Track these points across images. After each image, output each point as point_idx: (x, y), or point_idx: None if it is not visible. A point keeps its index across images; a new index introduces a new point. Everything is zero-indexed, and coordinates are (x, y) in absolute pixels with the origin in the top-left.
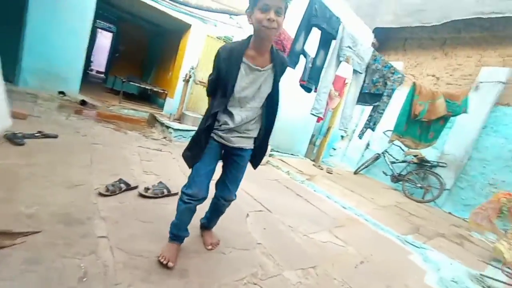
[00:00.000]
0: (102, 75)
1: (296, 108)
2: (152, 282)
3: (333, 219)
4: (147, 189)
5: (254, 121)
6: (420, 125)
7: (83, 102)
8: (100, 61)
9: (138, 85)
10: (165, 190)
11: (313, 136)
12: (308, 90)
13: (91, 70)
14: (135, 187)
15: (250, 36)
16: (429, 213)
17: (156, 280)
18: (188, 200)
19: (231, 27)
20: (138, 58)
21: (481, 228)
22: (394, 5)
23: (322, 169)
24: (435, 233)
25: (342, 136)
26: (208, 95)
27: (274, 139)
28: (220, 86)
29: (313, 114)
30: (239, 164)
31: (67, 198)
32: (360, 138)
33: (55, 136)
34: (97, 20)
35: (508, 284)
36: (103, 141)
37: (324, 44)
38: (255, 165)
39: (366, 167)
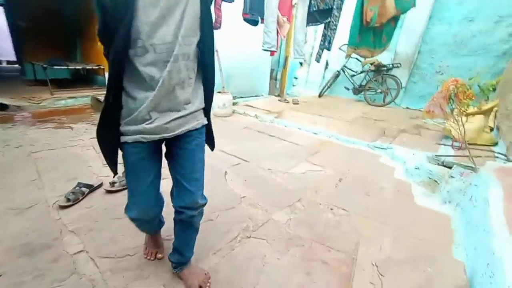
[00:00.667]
0: (17, 65)
1: (248, 46)
2: (147, 278)
3: (307, 148)
4: (113, 183)
5: (189, 82)
6: (373, 32)
7: (2, 106)
8: (4, 48)
9: (66, 67)
10: None
11: (272, 70)
12: (254, 22)
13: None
14: (99, 186)
15: None
16: (391, 114)
17: (150, 275)
18: (138, 224)
19: None
20: (53, 33)
21: (434, 116)
22: None
23: (288, 102)
24: (398, 131)
25: (301, 63)
26: (106, 58)
27: (235, 86)
28: (113, 33)
29: (265, 50)
30: (192, 149)
31: (20, 225)
32: (318, 61)
33: None
34: None
35: (456, 156)
36: (45, 145)
37: None
38: (212, 145)
39: (329, 87)
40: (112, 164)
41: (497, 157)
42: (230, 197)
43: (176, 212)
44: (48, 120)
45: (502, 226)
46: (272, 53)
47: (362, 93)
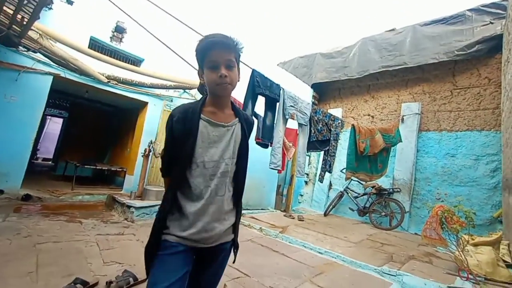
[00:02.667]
0: (50, 162)
1: (258, 163)
2: None
3: (312, 268)
4: (109, 283)
5: (227, 196)
6: (368, 160)
7: (26, 197)
8: (48, 148)
9: (94, 167)
10: (131, 279)
11: (279, 186)
12: (265, 146)
13: (37, 159)
14: (95, 284)
15: (205, 96)
16: (398, 238)
17: None
18: None
19: (187, 101)
20: (93, 140)
21: (433, 241)
22: (324, 64)
23: (293, 218)
24: (407, 257)
25: (305, 182)
26: (163, 175)
27: (243, 198)
28: (177, 156)
29: (272, 168)
30: (220, 261)
31: None
32: (321, 182)
33: None
34: (47, 108)
35: None
36: (52, 237)
37: (270, 106)
38: (235, 254)
39: (334, 206)
40: (147, 263)
41: None
42: None
43: None
44: (62, 213)
45: None
46: (279, 171)
47: (367, 215)
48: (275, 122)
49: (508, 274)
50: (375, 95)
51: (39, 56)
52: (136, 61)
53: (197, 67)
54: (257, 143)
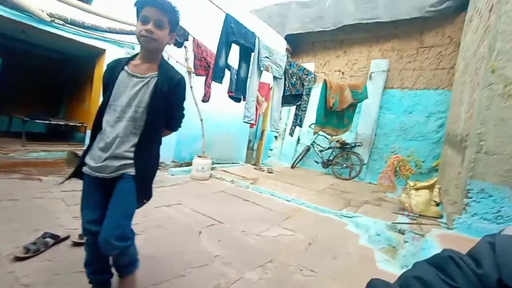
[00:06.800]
0: None
1: (229, 118)
2: None
3: (280, 214)
4: (82, 235)
5: (132, 139)
6: (336, 115)
7: None
8: None
9: (47, 122)
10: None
11: (250, 141)
12: (238, 100)
13: None
14: (66, 238)
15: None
16: (356, 187)
17: None
18: (88, 259)
19: None
20: (43, 92)
21: (387, 188)
22: (299, 14)
23: (263, 170)
24: (362, 202)
25: (275, 137)
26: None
27: (214, 152)
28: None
29: (245, 122)
30: (120, 189)
31: None
32: (291, 135)
33: None
34: None
35: (409, 223)
36: (8, 195)
37: (245, 57)
38: (138, 200)
39: (301, 159)
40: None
41: (440, 225)
42: (203, 255)
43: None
44: (16, 171)
45: None
46: (251, 125)
47: (330, 167)
48: (249, 75)
49: (436, 211)
50: (347, 50)
51: None
52: None
53: None
54: (230, 96)
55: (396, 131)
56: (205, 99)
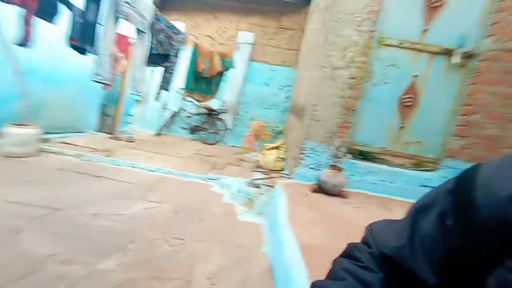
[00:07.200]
0: None
1: (71, 73)
2: None
3: (143, 186)
4: None
5: None
6: (204, 81)
7: None
8: None
9: None
10: None
11: (104, 106)
12: (82, 51)
13: None
14: None
15: None
16: (220, 151)
17: None
18: None
19: None
20: None
21: (247, 150)
22: None
23: (121, 139)
24: (225, 164)
25: (137, 100)
26: None
27: (47, 118)
28: None
29: (96, 81)
30: None
31: None
32: (157, 100)
33: None
34: None
35: (263, 178)
36: None
37: None
38: None
39: (167, 126)
40: None
41: (284, 177)
42: (26, 261)
43: None
44: None
45: (285, 221)
46: (106, 86)
47: (197, 133)
48: (101, 20)
49: (281, 165)
50: (218, 16)
51: None
52: None
53: None
54: (71, 45)
55: (256, 100)
56: (24, 41)
